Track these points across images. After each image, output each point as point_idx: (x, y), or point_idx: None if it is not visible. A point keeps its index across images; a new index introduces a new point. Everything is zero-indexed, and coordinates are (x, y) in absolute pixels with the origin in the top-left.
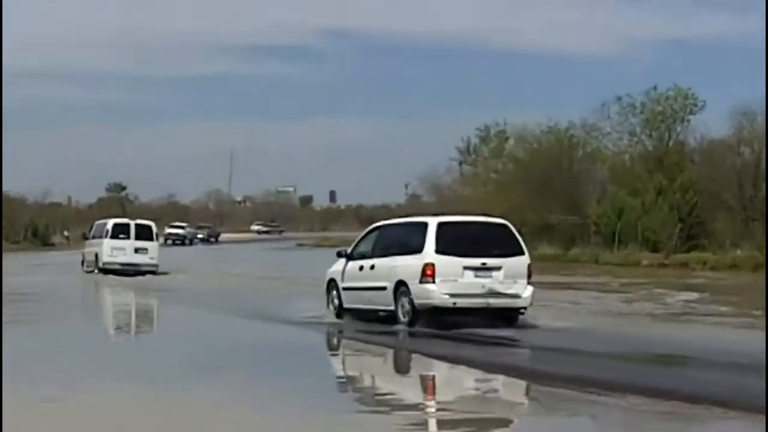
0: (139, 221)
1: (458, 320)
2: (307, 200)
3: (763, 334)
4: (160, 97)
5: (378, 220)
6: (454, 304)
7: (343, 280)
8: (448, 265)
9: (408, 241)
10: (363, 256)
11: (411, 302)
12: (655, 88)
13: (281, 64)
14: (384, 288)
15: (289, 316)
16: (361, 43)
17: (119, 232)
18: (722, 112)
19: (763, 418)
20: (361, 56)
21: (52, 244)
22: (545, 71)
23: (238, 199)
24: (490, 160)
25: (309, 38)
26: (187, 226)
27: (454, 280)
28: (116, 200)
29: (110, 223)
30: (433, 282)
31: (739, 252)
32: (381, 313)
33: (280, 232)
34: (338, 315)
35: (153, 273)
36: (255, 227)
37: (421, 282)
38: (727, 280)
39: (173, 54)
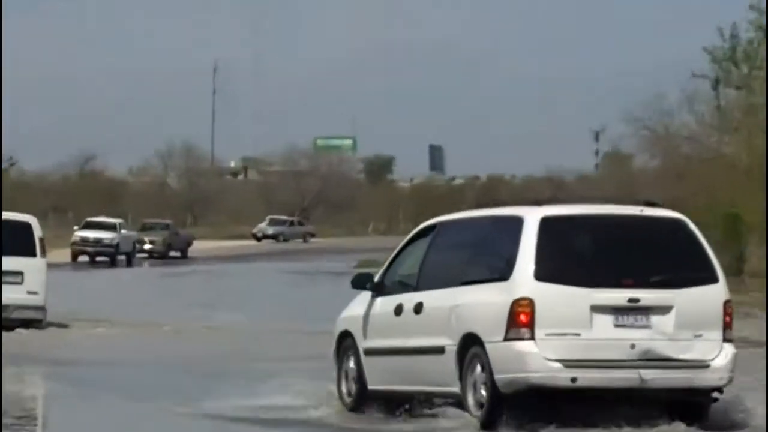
0: (4, 215)
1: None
2: (382, 165)
3: None
4: None
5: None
6: (574, 381)
7: (365, 335)
8: (561, 303)
9: (484, 256)
10: (402, 287)
11: (490, 378)
12: None
13: None
14: (440, 350)
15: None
16: None
17: None
18: None
19: None
20: None
21: None
22: None
23: (232, 164)
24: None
25: None
26: (121, 225)
27: (575, 333)
28: None
29: None
30: (532, 338)
31: None
32: (436, 400)
33: (306, 235)
34: (355, 406)
35: (32, 325)
36: (264, 228)
37: (506, 338)
38: None
39: None
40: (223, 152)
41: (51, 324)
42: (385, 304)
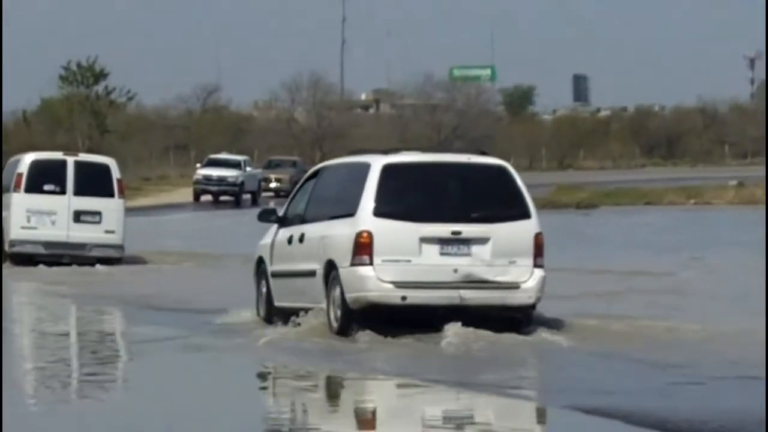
0: (82, 157)
1: None
2: (522, 97)
3: None
4: None
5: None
6: (404, 299)
7: (271, 261)
8: (395, 234)
9: (343, 195)
10: (297, 220)
11: (341, 296)
12: None
13: None
14: (313, 273)
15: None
16: None
17: (43, 178)
18: None
19: None
20: None
21: None
22: None
23: (363, 97)
24: None
25: None
26: (246, 163)
27: (406, 260)
28: (81, 99)
29: (26, 160)
30: (371, 263)
31: None
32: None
33: None
34: (267, 318)
35: (113, 261)
36: None
37: (352, 264)
38: None
39: None
40: (354, 84)
41: (132, 260)
42: (283, 234)
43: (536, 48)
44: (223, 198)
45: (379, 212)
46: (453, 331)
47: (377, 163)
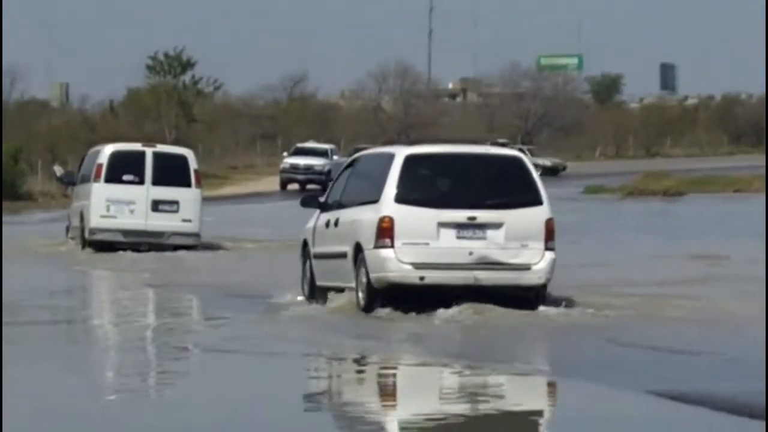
0: (160, 148)
1: None
2: (609, 85)
3: None
4: None
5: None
6: (422, 279)
7: (313, 243)
8: (414, 219)
9: (371, 183)
10: (335, 206)
11: (366, 276)
12: None
13: None
14: (345, 255)
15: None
16: None
17: (122, 169)
18: None
19: None
20: None
21: (28, 197)
22: None
23: (450, 86)
24: None
25: None
26: (332, 151)
27: (424, 243)
28: (168, 89)
29: (106, 151)
30: (392, 246)
31: None
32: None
33: (558, 168)
34: (309, 296)
35: (189, 247)
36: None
37: (375, 246)
38: None
39: None
40: (441, 73)
41: (210, 245)
42: (323, 219)
43: (623, 36)
44: (310, 186)
45: (400, 199)
46: (470, 307)
47: (401, 153)
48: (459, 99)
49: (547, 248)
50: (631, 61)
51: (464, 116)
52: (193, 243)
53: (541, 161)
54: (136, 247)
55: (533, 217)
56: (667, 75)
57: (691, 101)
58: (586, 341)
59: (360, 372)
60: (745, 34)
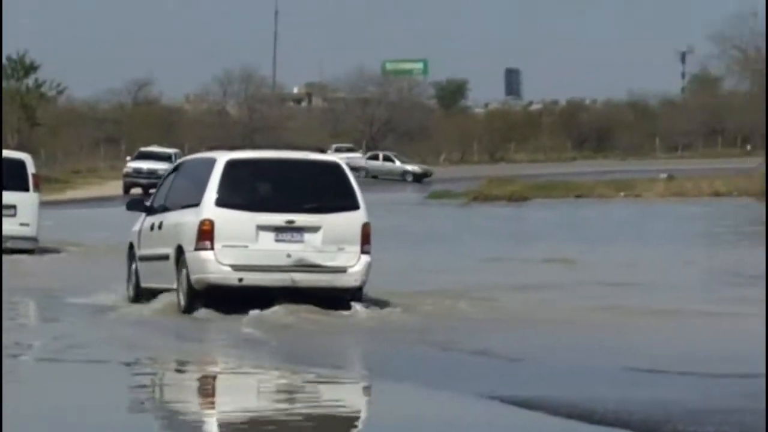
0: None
1: None
2: (454, 91)
3: None
4: None
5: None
6: (240, 281)
7: (139, 245)
8: (234, 223)
9: (193, 187)
10: (160, 209)
11: (187, 278)
12: None
13: None
14: (167, 257)
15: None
16: None
17: None
18: None
19: None
20: None
21: None
22: None
23: (295, 91)
24: None
25: None
26: (176, 156)
27: (243, 245)
28: (11, 93)
29: None
30: (212, 248)
31: None
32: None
33: (427, 174)
34: (134, 298)
35: (27, 251)
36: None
37: (196, 249)
38: None
39: None
40: (286, 78)
41: (46, 249)
42: (148, 222)
43: (469, 42)
44: (152, 191)
45: (220, 203)
46: (284, 308)
47: (222, 158)
48: (304, 103)
49: (363, 251)
50: (477, 66)
51: (309, 121)
52: (30, 247)
53: (410, 167)
54: None
55: (350, 222)
56: (512, 80)
57: (535, 106)
58: (400, 343)
59: (179, 375)
60: (590, 40)
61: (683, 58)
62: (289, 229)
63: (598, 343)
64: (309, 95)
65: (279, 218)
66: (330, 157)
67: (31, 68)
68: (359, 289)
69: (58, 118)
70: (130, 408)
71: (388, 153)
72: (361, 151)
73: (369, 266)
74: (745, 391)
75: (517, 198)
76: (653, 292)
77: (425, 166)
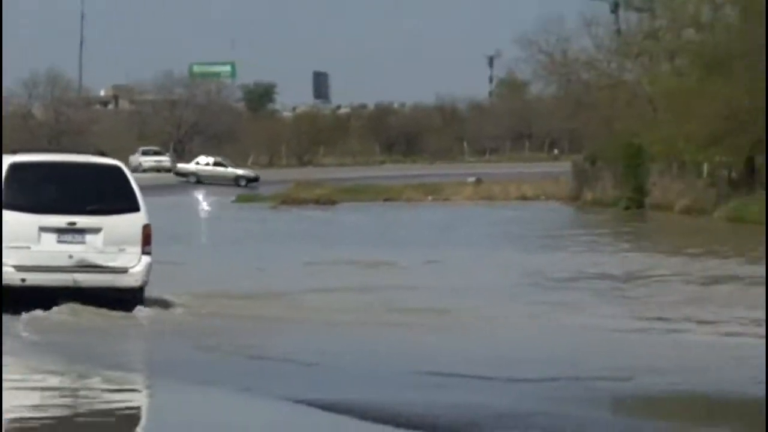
0: None
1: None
2: (262, 94)
3: None
4: None
5: (425, 138)
6: (23, 281)
7: None
8: (17, 224)
9: None
10: None
11: None
12: None
13: None
14: None
15: None
16: None
17: None
18: None
19: None
20: None
21: None
22: None
23: (102, 94)
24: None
25: None
26: None
27: (26, 246)
28: None
29: None
30: None
31: None
32: None
33: (257, 178)
34: None
35: None
36: (144, 159)
37: None
38: None
39: None
40: (93, 80)
41: None
42: None
43: (277, 45)
44: None
45: (6, 205)
46: (68, 308)
47: (6, 161)
48: (111, 106)
49: (144, 252)
50: (285, 69)
51: (116, 123)
52: None
53: (242, 172)
54: None
55: (131, 223)
56: (320, 84)
57: (344, 110)
58: (178, 343)
59: None
60: (398, 43)
61: (491, 62)
62: (71, 230)
63: (400, 347)
64: (116, 98)
65: (61, 220)
66: (111, 160)
67: None
68: (141, 289)
69: None
70: None
71: (219, 158)
72: (168, 154)
73: (150, 267)
74: (550, 395)
75: (325, 201)
76: (459, 294)
77: (254, 171)
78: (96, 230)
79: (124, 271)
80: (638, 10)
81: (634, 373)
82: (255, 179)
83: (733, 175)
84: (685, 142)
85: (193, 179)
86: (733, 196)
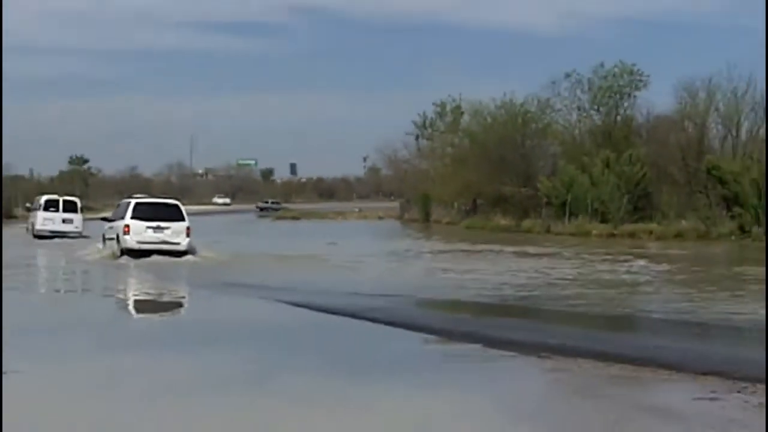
0: (66, 197)
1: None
2: (268, 173)
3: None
4: (121, 70)
5: (337, 192)
6: (141, 245)
7: (105, 233)
8: (137, 225)
9: (123, 212)
10: (110, 220)
11: (119, 244)
12: (602, 65)
13: (241, 39)
14: (116, 238)
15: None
16: (318, 18)
17: (50, 206)
18: (668, 89)
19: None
20: (318, 32)
21: (15, 217)
22: (498, 48)
23: (200, 171)
24: (446, 134)
25: (269, 14)
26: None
27: (140, 233)
28: (78, 173)
29: (43, 198)
30: (128, 234)
31: (684, 222)
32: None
33: (276, 206)
34: (121, 254)
35: (77, 237)
36: (218, 200)
37: (124, 234)
38: (675, 249)
39: (129, 27)
40: (199, 163)
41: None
42: (107, 225)
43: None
44: None
45: (132, 217)
46: (155, 258)
47: (133, 201)
48: (204, 177)
49: (187, 236)
50: (272, 160)
51: (206, 185)
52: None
53: (269, 203)
54: None
55: (181, 226)
56: (292, 169)
57: (308, 180)
58: (207, 273)
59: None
60: (327, 132)
61: (365, 159)
62: (158, 228)
63: (330, 278)
64: (206, 173)
65: (153, 224)
66: (175, 200)
67: None
68: (186, 252)
69: None
70: None
71: (270, 199)
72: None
73: (190, 243)
74: (393, 301)
75: (294, 218)
76: (349, 257)
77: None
78: (168, 228)
79: (178, 244)
80: (428, 139)
81: (445, 292)
82: (279, 206)
83: (467, 208)
84: (446, 195)
85: (258, 212)
86: (467, 217)
